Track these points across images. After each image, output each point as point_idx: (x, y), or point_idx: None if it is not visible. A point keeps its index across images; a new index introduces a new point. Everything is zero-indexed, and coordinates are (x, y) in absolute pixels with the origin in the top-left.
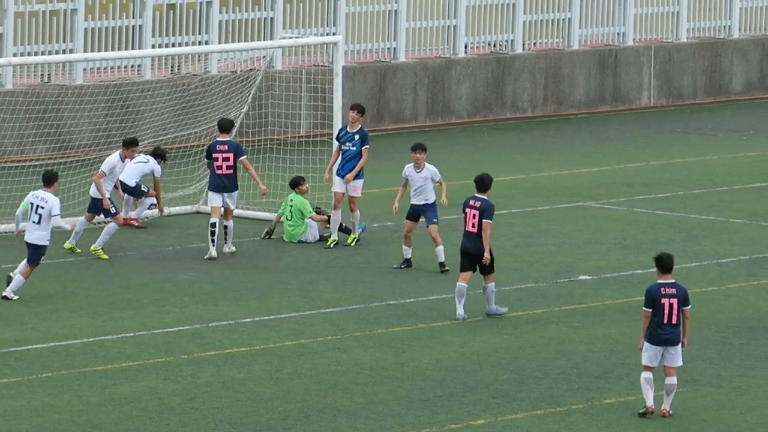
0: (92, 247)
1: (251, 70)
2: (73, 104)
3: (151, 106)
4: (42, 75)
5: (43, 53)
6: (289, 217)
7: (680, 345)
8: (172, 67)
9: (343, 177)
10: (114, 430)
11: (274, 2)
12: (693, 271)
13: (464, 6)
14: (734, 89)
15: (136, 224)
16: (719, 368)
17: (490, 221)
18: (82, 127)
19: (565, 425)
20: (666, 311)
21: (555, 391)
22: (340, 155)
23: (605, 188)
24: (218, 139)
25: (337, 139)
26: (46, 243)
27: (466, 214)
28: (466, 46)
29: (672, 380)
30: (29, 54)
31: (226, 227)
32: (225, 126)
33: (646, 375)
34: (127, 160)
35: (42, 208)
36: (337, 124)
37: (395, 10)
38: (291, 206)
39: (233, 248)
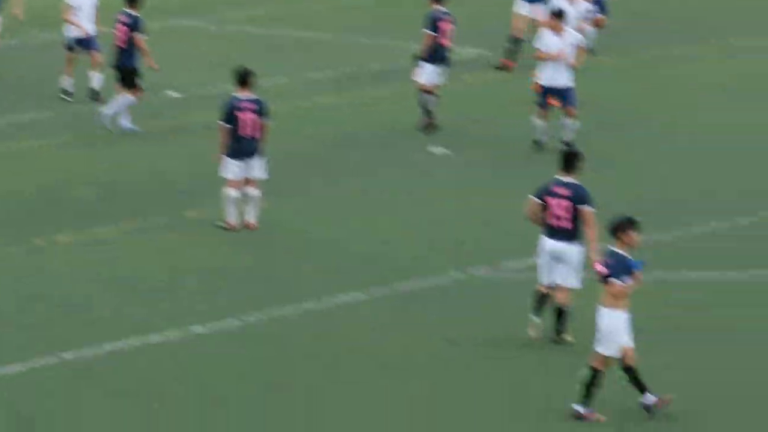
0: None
1: None
2: None
3: None
4: None
5: None
6: None
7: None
8: None
9: None
10: None
11: None
12: (281, 85)
13: None
14: None
15: None
16: (306, 180)
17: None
18: None
19: (147, 237)
20: (248, 126)
21: (141, 206)
22: None
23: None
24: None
25: None
26: None
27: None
28: None
29: (254, 192)
30: None
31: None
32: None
33: (230, 191)
34: None
35: None
36: None
37: None
38: None
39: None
